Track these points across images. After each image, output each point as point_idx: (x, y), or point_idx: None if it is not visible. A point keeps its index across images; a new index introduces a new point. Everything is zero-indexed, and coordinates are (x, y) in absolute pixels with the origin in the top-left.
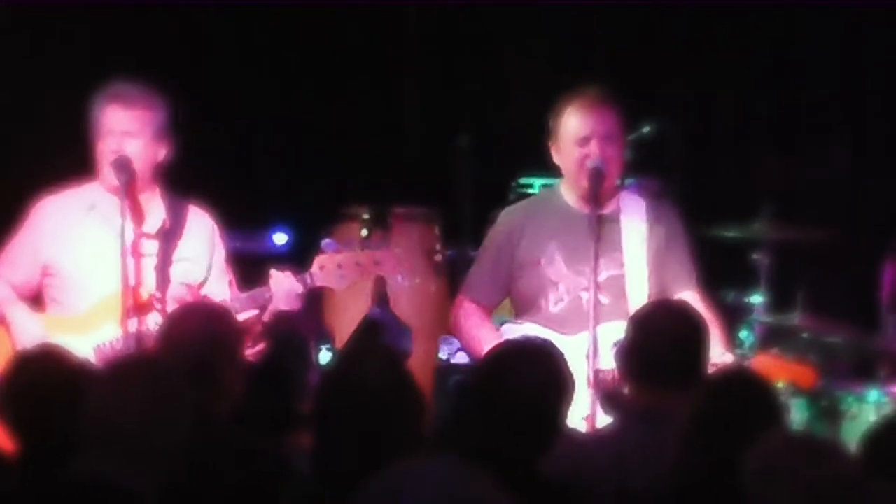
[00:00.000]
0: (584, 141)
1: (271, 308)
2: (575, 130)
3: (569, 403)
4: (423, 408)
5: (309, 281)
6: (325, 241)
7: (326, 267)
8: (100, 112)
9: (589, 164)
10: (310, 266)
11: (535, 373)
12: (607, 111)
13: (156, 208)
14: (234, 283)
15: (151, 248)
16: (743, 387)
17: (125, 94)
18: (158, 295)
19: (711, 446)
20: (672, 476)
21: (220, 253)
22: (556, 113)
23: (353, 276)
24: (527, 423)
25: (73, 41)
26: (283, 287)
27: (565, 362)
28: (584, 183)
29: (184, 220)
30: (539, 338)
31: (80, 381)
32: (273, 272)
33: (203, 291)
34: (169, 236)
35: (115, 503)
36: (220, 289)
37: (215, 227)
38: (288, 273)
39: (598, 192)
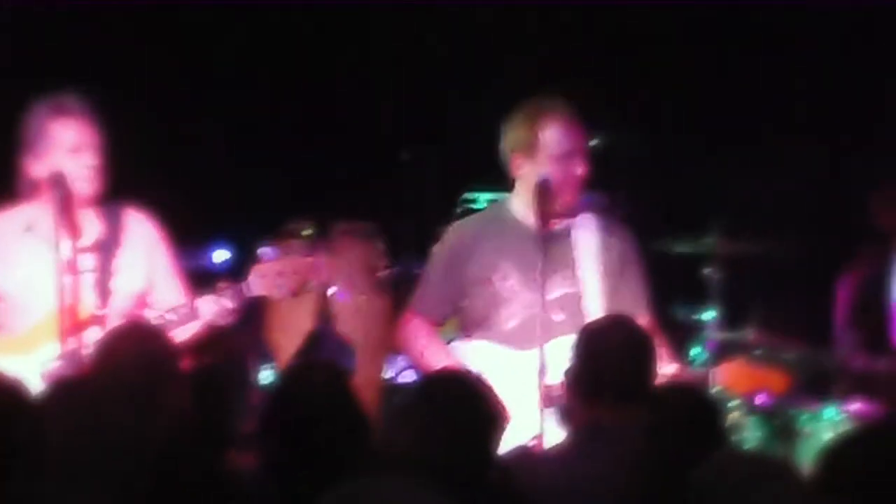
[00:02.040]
0: (567, 156)
1: (205, 322)
2: (559, 146)
3: (501, 431)
4: (369, 426)
5: (245, 290)
6: (263, 250)
7: (265, 275)
8: (41, 126)
9: (541, 176)
10: (247, 276)
11: (466, 406)
12: (581, 127)
13: (91, 221)
14: (184, 289)
15: (89, 262)
16: (688, 399)
17: (70, 106)
18: (99, 312)
19: (661, 461)
20: (625, 492)
21: (164, 258)
22: (530, 126)
23: (291, 283)
24: (461, 447)
25: None
26: (211, 308)
27: (494, 395)
28: (569, 197)
29: (121, 229)
30: (469, 371)
31: (14, 405)
32: (202, 298)
33: (152, 299)
34: (106, 248)
35: None
36: (169, 296)
37: (157, 231)
38: (212, 296)
39: (548, 210)
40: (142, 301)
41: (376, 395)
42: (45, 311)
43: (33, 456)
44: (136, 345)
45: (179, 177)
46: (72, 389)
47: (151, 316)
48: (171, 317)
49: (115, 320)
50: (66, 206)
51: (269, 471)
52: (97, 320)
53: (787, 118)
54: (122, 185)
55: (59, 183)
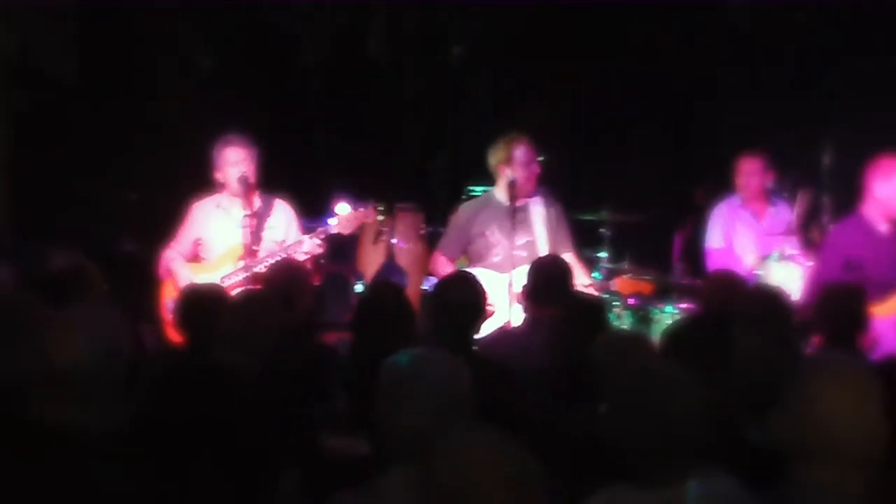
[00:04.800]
0: (527, 164)
1: (310, 252)
2: (522, 158)
3: (484, 308)
4: (414, 316)
5: (328, 229)
6: (339, 205)
7: (339, 222)
8: (219, 151)
9: (522, 175)
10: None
11: (468, 289)
12: (534, 147)
13: (255, 201)
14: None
15: (252, 223)
16: (587, 301)
17: (234, 140)
18: (255, 248)
19: (572, 335)
20: (551, 359)
21: (295, 224)
22: (508, 148)
23: (352, 226)
24: (463, 321)
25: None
26: (310, 243)
27: (482, 286)
28: (528, 188)
29: (270, 206)
30: (470, 272)
31: (217, 301)
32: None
33: (284, 249)
34: (260, 216)
35: (232, 375)
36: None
37: (290, 209)
38: (309, 236)
39: (515, 195)
40: (280, 245)
41: (418, 300)
42: (224, 249)
43: (226, 334)
44: (286, 272)
45: (303, 176)
46: (248, 296)
47: (283, 251)
48: (290, 249)
49: (264, 256)
50: (245, 193)
51: (359, 345)
52: (253, 253)
53: (648, 126)
54: (270, 182)
55: (244, 180)
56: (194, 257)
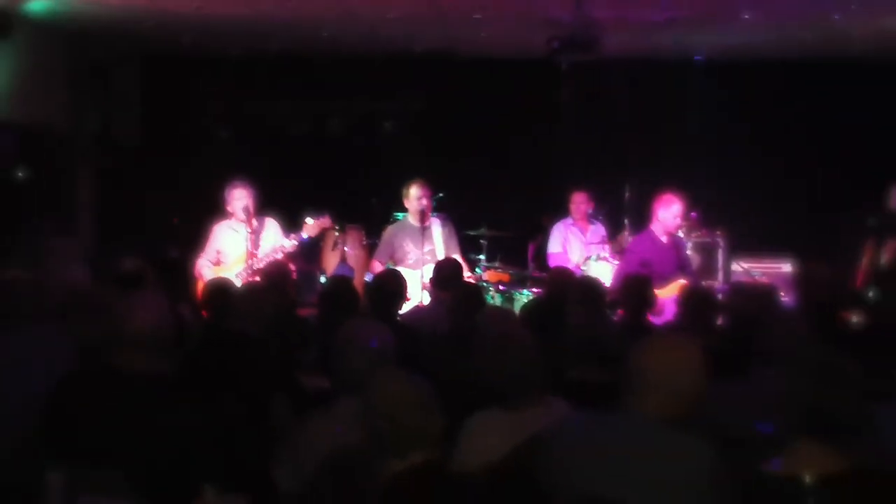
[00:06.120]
0: (427, 198)
1: (288, 253)
2: (420, 196)
3: (405, 294)
4: (359, 300)
5: (298, 235)
6: (307, 218)
7: (306, 228)
8: (229, 192)
9: (421, 206)
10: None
11: (393, 281)
12: (430, 188)
13: (254, 222)
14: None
15: (252, 237)
16: (471, 287)
17: (238, 183)
18: (255, 252)
19: (462, 313)
20: (449, 326)
21: (280, 235)
22: (408, 189)
23: (313, 230)
24: (390, 302)
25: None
26: (287, 246)
27: (404, 279)
28: (428, 213)
29: (264, 225)
30: (397, 271)
31: (231, 289)
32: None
33: (273, 252)
34: (258, 231)
35: (242, 337)
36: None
37: (278, 226)
38: (287, 239)
39: (424, 219)
40: (273, 251)
41: (362, 288)
42: (236, 255)
43: (238, 312)
44: (278, 268)
45: (285, 206)
46: (253, 286)
47: (272, 253)
48: (277, 251)
49: (261, 257)
50: (248, 218)
51: (322, 318)
52: (253, 256)
53: (511, 171)
54: (264, 208)
55: (246, 209)
56: (217, 262)
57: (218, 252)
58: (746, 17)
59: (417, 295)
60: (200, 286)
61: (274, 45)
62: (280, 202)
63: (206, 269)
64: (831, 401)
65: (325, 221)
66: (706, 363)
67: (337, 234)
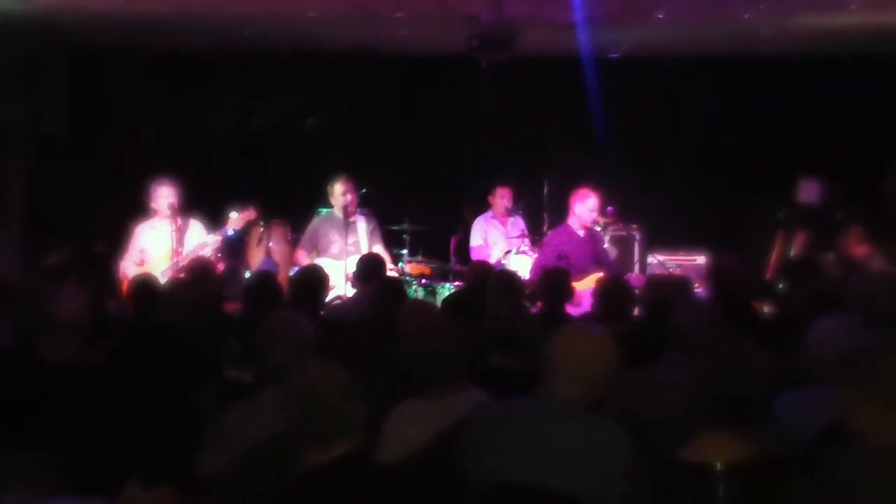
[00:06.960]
0: (352, 192)
1: (214, 248)
2: (343, 191)
3: (327, 286)
4: (283, 294)
5: (223, 230)
6: (231, 213)
7: (230, 222)
8: (153, 189)
9: (346, 202)
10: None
11: (313, 275)
12: (354, 183)
13: (178, 220)
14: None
15: (177, 234)
16: (394, 280)
17: (164, 180)
18: (179, 250)
19: (384, 305)
20: (371, 317)
21: (204, 232)
22: (332, 185)
23: (238, 223)
24: (313, 295)
25: None
26: (212, 241)
27: (326, 274)
28: (353, 208)
29: (188, 223)
30: (319, 266)
31: (156, 284)
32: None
33: (198, 249)
34: (182, 230)
35: (168, 330)
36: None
37: (201, 224)
38: (212, 235)
39: (349, 213)
40: (196, 246)
41: (286, 282)
42: (160, 254)
43: (166, 305)
44: (199, 263)
45: (209, 202)
46: (180, 282)
47: (197, 250)
48: (202, 247)
49: (185, 255)
50: (173, 215)
51: (246, 310)
52: (179, 254)
53: (434, 170)
54: (189, 205)
55: (172, 207)
56: (140, 262)
57: (141, 252)
58: (661, 16)
59: (341, 286)
60: (125, 285)
61: (197, 43)
62: (205, 199)
63: (131, 269)
64: (737, 388)
65: (250, 214)
66: (619, 352)
67: (262, 229)
